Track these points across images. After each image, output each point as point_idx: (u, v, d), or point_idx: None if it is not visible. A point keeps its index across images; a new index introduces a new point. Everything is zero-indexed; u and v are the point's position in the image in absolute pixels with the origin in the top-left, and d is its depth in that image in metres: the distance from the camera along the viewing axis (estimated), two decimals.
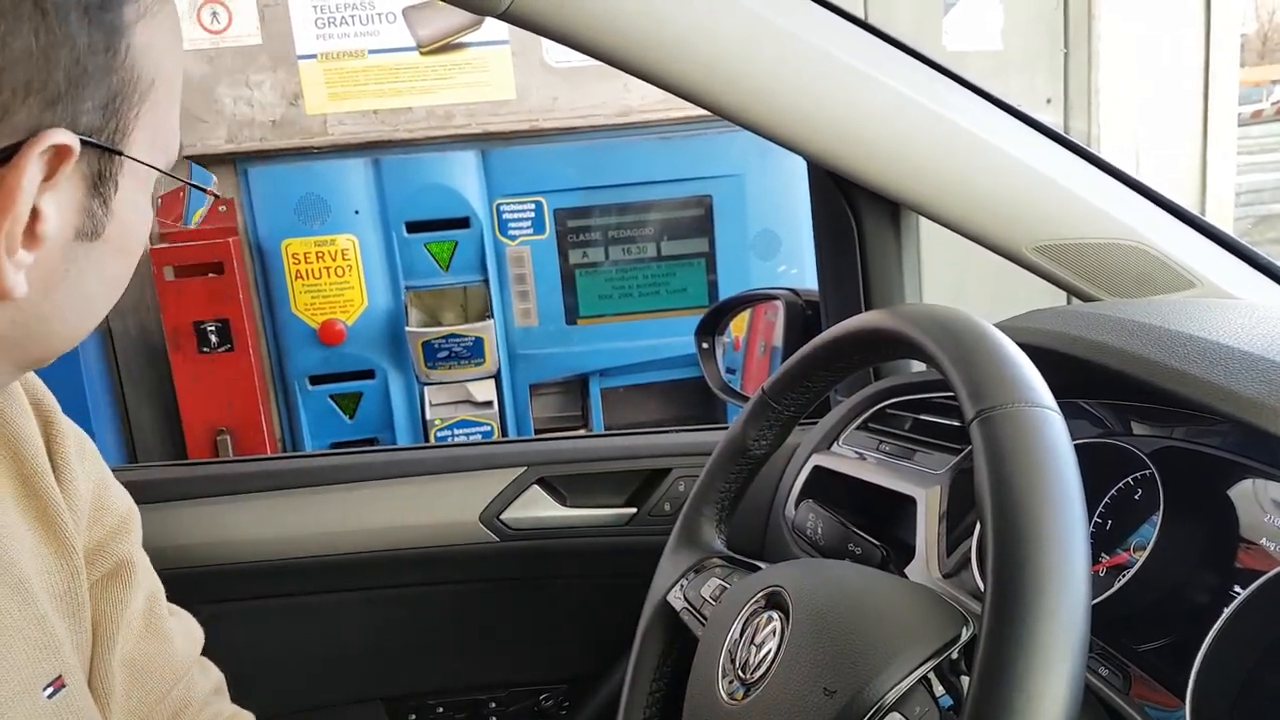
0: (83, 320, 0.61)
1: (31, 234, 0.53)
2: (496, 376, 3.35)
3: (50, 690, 0.66)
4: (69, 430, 0.73)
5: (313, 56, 3.17)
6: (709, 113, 0.88)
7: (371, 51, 3.15)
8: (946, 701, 0.50)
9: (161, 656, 0.79)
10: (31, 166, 0.51)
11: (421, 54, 3.16)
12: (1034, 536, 0.43)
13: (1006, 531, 0.43)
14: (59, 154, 0.52)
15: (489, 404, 3.36)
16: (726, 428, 1.43)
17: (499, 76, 3.20)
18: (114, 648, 0.75)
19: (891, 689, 0.49)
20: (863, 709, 0.49)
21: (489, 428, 3.35)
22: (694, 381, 3.44)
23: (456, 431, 3.34)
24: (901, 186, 0.93)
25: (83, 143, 0.53)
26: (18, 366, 0.63)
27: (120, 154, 0.56)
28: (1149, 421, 0.70)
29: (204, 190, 0.64)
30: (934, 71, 0.93)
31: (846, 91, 0.88)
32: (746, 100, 0.86)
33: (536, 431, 3.47)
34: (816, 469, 1.03)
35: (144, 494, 1.17)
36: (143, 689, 0.76)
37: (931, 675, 0.51)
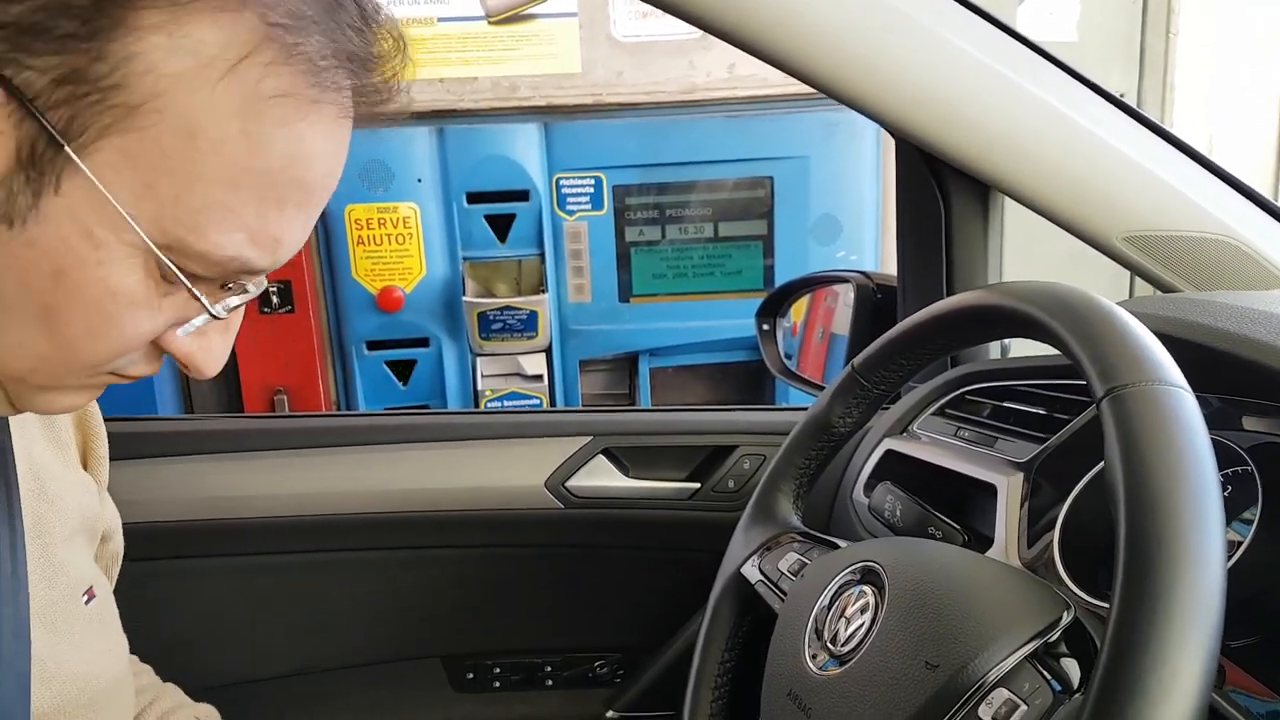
0: None
1: None
2: (548, 350, 3.36)
3: (86, 598, 0.70)
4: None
5: None
6: (809, 87, 0.87)
7: (441, 19, 3.15)
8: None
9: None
10: None
11: (490, 24, 3.15)
12: (1171, 515, 0.42)
13: (1141, 509, 0.42)
14: None
15: (539, 378, 3.36)
16: (792, 409, 1.42)
17: (565, 49, 3.18)
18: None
19: (995, 665, 0.49)
20: (966, 684, 0.49)
21: (538, 401, 3.36)
22: (744, 365, 3.42)
23: (506, 403, 3.35)
24: (997, 168, 0.92)
25: (9, 91, 0.44)
26: None
27: (64, 146, 0.44)
28: (1260, 416, 0.68)
29: (211, 314, 0.53)
30: (1034, 54, 0.92)
31: (948, 69, 0.86)
32: (846, 74, 0.85)
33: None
34: (889, 453, 1.02)
35: (207, 444, 1.20)
36: None
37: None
